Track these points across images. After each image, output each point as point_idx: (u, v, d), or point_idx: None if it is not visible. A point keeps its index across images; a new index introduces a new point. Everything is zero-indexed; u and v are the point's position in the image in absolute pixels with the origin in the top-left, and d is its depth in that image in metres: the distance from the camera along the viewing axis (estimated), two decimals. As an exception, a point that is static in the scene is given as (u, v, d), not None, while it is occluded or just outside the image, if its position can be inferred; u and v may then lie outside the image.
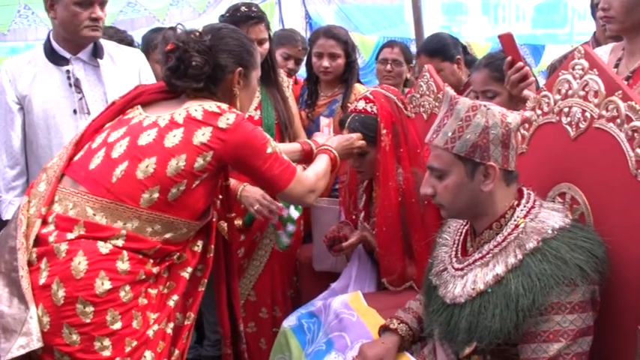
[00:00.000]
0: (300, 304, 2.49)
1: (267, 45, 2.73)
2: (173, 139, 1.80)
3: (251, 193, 2.51)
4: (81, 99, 2.51)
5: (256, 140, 1.88)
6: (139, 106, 1.95)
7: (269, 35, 2.77)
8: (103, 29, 2.63)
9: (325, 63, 3.07)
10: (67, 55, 2.52)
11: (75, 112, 2.49)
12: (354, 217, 2.50)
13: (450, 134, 1.60)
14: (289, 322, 2.29)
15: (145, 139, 1.81)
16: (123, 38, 3.28)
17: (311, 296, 2.44)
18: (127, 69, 2.65)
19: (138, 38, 3.81)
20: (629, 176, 1.49)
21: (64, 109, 2.49)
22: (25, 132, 2.52)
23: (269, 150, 1.90)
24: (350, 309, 2.12)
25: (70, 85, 2.51)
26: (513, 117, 1.62)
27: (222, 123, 1.82)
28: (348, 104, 2.87)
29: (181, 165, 1.78)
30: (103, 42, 2.64)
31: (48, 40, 2.56)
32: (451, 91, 1.67)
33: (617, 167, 1.53)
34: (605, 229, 1.56)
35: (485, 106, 1.61)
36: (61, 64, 2.53)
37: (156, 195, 1.78)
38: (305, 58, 3.42)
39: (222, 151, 1.82)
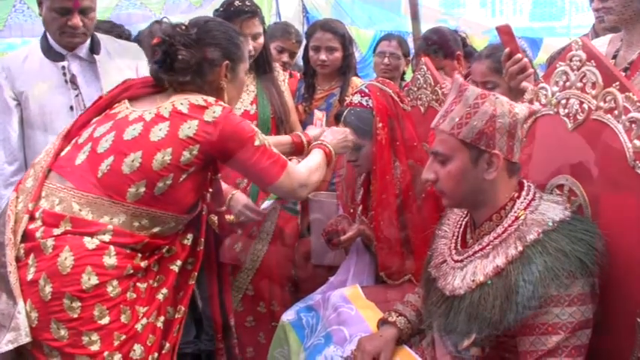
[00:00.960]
0: (299, 298, 2.49)
1: (261, 39, 2.72)
2: (159, 132, 1.79)
3: (238, 201, 2.50)
4: (77, 95, 2.50)
5: (243, 133, 1.87)
6: (126, 101, 1.95)
7: (263, 29, 2.76)
8: (98, 24, 2.62)
9: (322, 56, 3.06)
10: (64, 51, 2.51)
11: (71, 108, 2.48)
12: (351, 210, 2.50)
13: (457, 120, 1.59)
14: (288, 316, 2.29)
15: (131, 133, 1.81)
16: (120, 33, 3.27)
17: (309, 290, 2.44)
18: (125, 64, 2.64)
19: (134, 33, 3.79)
20: (627, 168, 1.48)
21: (60, 106, 2.48)
22: (22, 128, 2.51)
23: (257, 142, 1.88)
24: (348, 302, 2.12)
25: (66, 81, 2.50)
26: (521, 108, 1.61)
27: (208, 116, 1.81)
28: (346, 97, 2.87)
29: (167, 159, 1.78)
30: (101, 37, 2.63)
31: (44, 36, 2.54)
32: (460, 79, 1.67)
33: (615, 159, 1.52)
34: (604, 221, 1.55)
35: (494, 95, 1.61)
36: (57, 60, 2.51)
37: (142, 189, 1.78)
38: (299, 52, 3.41)
39: (208, 144, 1.82)
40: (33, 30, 5.95)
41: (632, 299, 1.48)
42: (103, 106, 1.98)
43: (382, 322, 1.94)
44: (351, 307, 2.10)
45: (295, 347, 2.19)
